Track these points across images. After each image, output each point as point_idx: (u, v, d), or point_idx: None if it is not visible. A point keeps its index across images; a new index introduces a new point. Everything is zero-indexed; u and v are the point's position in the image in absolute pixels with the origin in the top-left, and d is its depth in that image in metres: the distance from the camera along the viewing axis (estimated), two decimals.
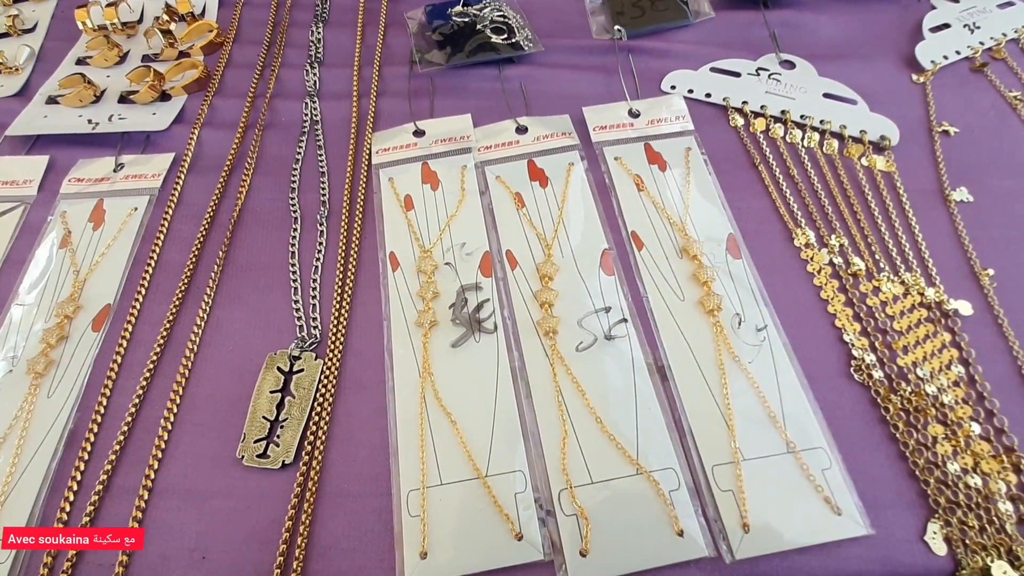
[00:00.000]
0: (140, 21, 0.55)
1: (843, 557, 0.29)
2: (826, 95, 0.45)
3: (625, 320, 0.36)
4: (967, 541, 0.29)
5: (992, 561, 0.28)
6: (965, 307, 0.36)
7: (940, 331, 0.35)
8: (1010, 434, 0.32)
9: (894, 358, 0.34)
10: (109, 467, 0.32)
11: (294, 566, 0.29)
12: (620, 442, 0.32)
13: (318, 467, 0.32)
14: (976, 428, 0.32)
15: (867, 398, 0.33)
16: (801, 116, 0.44)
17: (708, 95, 0.46)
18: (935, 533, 0.29)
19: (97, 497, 0.31)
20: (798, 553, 0.29)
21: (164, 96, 0.48)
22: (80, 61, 0.52)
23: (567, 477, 0.31)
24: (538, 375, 0.34)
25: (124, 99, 0.48)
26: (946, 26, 0.49)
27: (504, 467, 0.31)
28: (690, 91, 0.46)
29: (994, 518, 0.30)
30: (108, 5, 0.52)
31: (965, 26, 0.49)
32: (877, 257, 0.38)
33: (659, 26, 0.50)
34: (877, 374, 0.34)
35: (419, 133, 0.45)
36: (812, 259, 0.38)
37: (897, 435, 0.32)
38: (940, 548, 0.29)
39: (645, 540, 0.29)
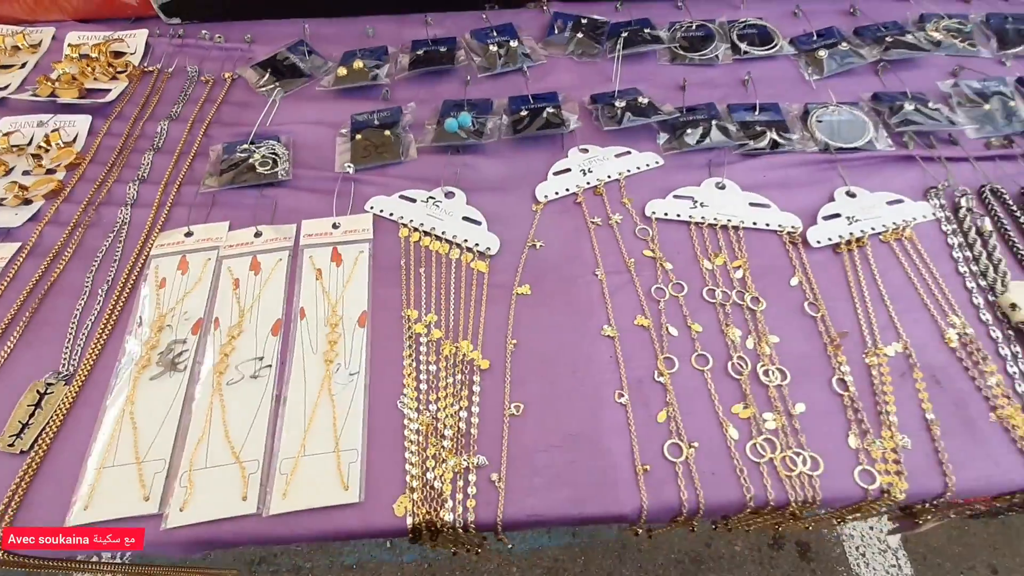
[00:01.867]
0: (29, 143, 0.77)
1: (344, 516, 0.48)
2: (464, 218, 0.66)
3: (269, 366, 0.55)
4: (416, 511, 0.48)
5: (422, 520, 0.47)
6: (485, 364, 0.55)
7: (466, 379, 0.55)
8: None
9: (429, 394, 0.54)
10: None
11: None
12: (233, 441, 0.51)
13: (43, 454, 0.51)
14: (447, 443, 0.51)
15: (402, 422, 0.52)
16: (443, 232, 0.65)
17: (391, 214, 0.67)
18: (402, 504, 0.48)
19: None
20: (322, 511, 0.48)
21: (27, 201, 0.70)
22: None
23: (192, 460, 0.50)
24: (203, 398, 0.54)
25: None
26: (568, 170, 0.71)
27: (163, 454, 0.50)
28: (382, 210, 0.68)
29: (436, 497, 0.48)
30: (3, 135, 0.75)
31: (581, 170, 0.70)
32: (457, 329, 0.58)
33: (379, 163, 0.72)
34: (411, 404, 0.53)
35: (189, 234, 0.66)
36: (410, 328, 0.58)
37: (406, 444, 0.51)
38: (400, 511, 0.48)
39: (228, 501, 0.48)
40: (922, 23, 0.88)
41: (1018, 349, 0.57)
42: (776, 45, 0.85)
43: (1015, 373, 0.55)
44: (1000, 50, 0.85)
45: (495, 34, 0.85)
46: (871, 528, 1.35)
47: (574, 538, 1.33)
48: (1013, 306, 0.58)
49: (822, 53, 0.82)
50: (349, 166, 0.71)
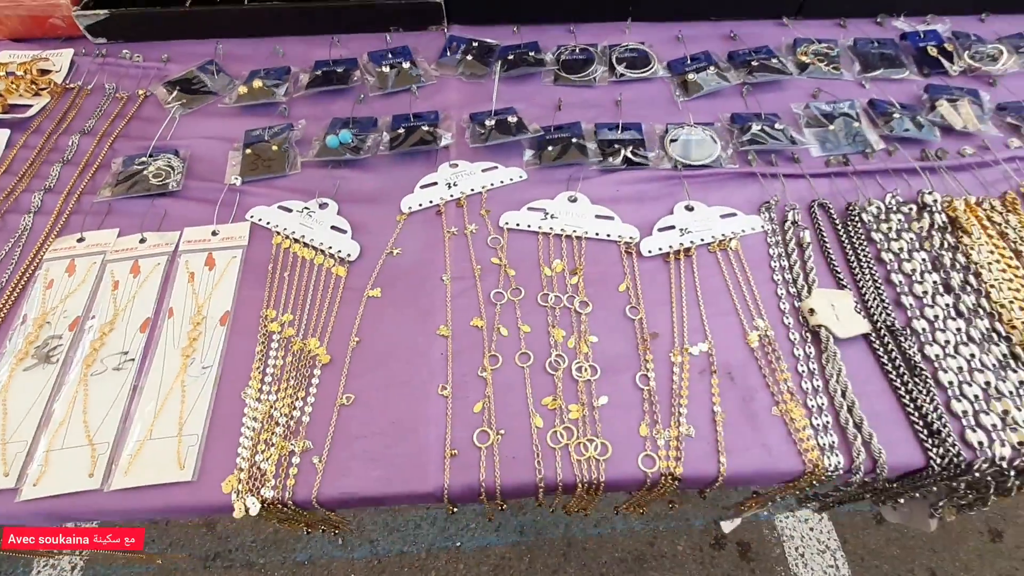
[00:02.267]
0: None
1: (178, 493, 0.54)
2: (333, 227, 0.73)
3: (132, 360, 0.62)
4: (241, 489, 0.54)
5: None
6: (327, 358, 0.61)
7: (307, 373, 0.61)
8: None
9: (272, 385, 0.60)
10: None
11: None
12: (89, 425, 0.57)
13: None
14: (279, 430, 0.57)
15: (243, 411, 0.59)
16: (311, 239, 0.71)
17: (268, 223, 0.74)
18: (229, 483, 0.54)
19: None
20: (159, 488, 0.54)
21: None
22: None
23: (51, 443, 0.56)
24: (69, 388, 0.60)
25: None
26: (434, 184, 0.77)
27: (27, 436, 0.56)
28: (260, 219, 0.74)
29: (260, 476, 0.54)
30: None
31: (447, 183, 0.77)
32: (308, 327, 0.64)
33: (265, 176, 0.79)
34: (253, 395, 0.59)
35: (81, 240, 0.72)
36: (266, 327, 0.64)
37: (243, 430, 0.57)
38: (227, 489, 0.54)
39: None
40: (794, 47, 0.95)
41: (812, 350, 0.63)
42: (652, 68, 0.92)
43: (804, 372, 0.61)
44: (862, 72, 0.91)
45: (391, 56, 0.92)
46: (811, 529, 1.41)
47: (521, 536, 1.39)
48: (811, 311, 0.64)
49: (691, 76, 0.89)
50: (236, 178, 0.78)
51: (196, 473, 0.55)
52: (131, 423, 0.58)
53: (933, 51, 0.92)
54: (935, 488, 0.59)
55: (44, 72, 0.94)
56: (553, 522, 1.36)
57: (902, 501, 0.63)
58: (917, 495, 0.62)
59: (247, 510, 0.53)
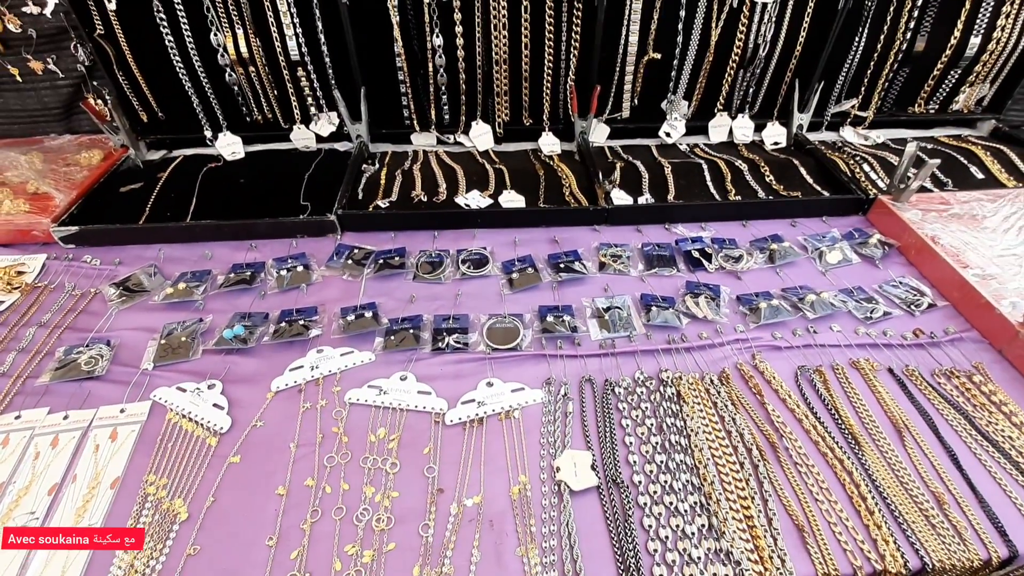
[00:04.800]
0: None
1: None
2: (214, 404, 0.95)
3: (37, 518, 0.80)
4: None
5: None
6: (185, 515, 0.81)
7: (167, 525, 0.80)
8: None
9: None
10: None
11: None
12: None
13: None
14: None
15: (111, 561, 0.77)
16: (195, 415, 0.94)
17: (166, 401, 0.96)
18: None
19: None
20: None
21: None
22: None
23: None
24: None
25: None
26: (301, 367, 1.01)
27: None
28: (160, 398, 0.97)
29: None
30: None
31: (311, 366, 1.01)
32: (181, 489, 0.84)
33: (172, 361, 1.03)
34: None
35: (18, 417, 0.94)
36: (144, 490, 0.84)
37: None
38: None
39: None
40: (598, 250, 1.27)
41: (556, 500, 0.84)
42: (488, 268, 1.22)
43: (545, 518, 0.82)
44: (644, 271, 1.23)
45: (291, 260, 1.22)
46: None
47: None
48: (558, 468, 0.86)
49: (515, 275, 1.19)
50: (150, 364, 1.02)
51: None
52: (26, 572, 0.75)
53: (696, 254, 1.25)
54: None
55: (20, 273, 1.22)
56: None
57: None
58: None
59: None
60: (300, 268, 1.20)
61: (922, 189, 1.38)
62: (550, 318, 1.09)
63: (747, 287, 1.19)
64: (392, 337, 1.06)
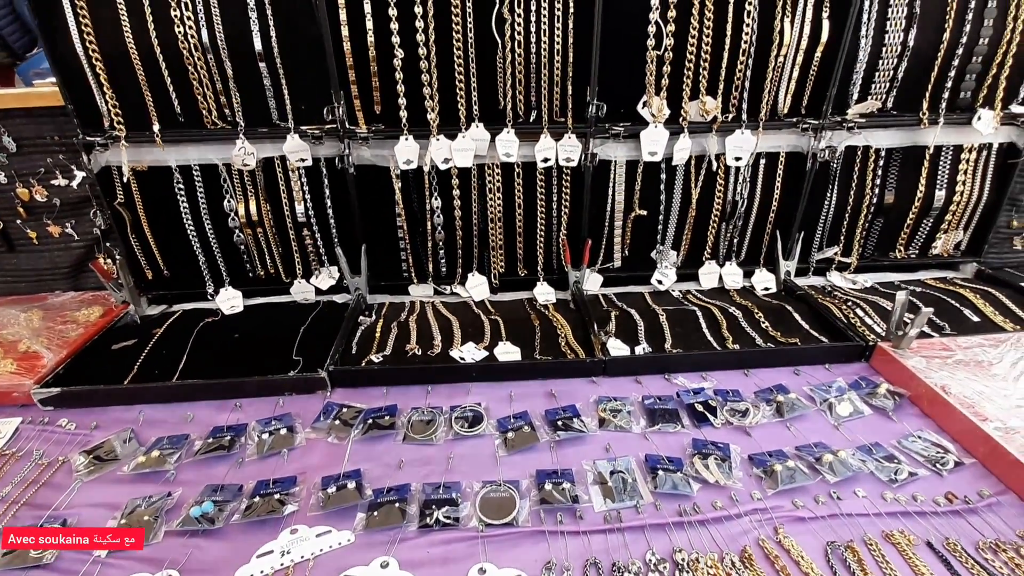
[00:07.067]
0: None
1: None
2: None
3: None
4: None
5: None
6: None
7: None
8: None
9: None
10: None
11: None
12: None
13: None
14: None
15: None
16: None
17: None
18: None
19: None
20: None
21: None
22: None
23: None
24: None
25: None
26: (270, 552, 0.91)
27: None
28: None
29: None
30: None
31: (282, 551, 0.91)
32: None
33: None
34: None
35: None
36: None
37: None
38: None
39: None
40: (597, 404, 1.22)
41: None
42: (482, 426, 1.16)
43: None
44: (646, 427, 1.16)
45: (275, 422, 1.16)
46: None
47: None
48: None
49: (511, 435, 1.13)
50: (103, 551, 0.91)
51: None
52: None
53: (700, 407, 1.19)
54: None
55: None
56: None
57: None
58: None
59: None
60: (283, 431, 1.14)
61: (921, 335, 1.37)
62: (548, 485, 1.00)
63: (758, 444, 1.12)
64: (375, 513, 0.96)
